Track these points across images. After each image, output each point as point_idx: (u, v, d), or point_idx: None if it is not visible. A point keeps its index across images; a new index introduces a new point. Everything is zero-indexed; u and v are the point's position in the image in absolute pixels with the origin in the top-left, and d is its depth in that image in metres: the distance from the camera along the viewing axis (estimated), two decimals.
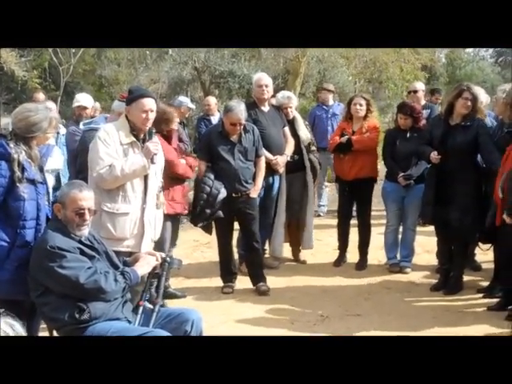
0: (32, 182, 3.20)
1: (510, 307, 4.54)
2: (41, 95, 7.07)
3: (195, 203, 5.05)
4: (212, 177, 5.03)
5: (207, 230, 5.30)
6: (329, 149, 6.18)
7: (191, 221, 5.27)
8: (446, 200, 4.92)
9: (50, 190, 3.55)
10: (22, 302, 3.15)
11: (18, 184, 3.10)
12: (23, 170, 3.14)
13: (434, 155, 4.90)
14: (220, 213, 5.02)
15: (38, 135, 3.27)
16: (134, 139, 3.84)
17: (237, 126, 5.02)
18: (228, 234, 5.31)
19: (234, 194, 5.08)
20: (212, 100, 8.25)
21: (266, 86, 5.56)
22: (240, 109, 4.99)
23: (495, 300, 4.76)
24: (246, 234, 5.33)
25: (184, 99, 8.02)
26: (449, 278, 5.19)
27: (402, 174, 5.53)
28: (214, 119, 7.94)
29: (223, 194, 5.00)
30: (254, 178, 5.22)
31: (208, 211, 4.99)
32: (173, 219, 4.94)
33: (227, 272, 5.33)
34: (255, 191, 5.21)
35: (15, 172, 3.11)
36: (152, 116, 3.84)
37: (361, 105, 5.77)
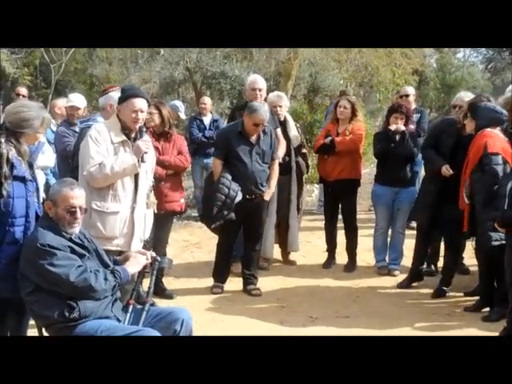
0: (21, 179, 3.17)
1: (485, 309, 4.66)
2: (23, 89, 7.11)
3: (210, 203, 4.94)
4: (229, 177, 4.94)
5: (217, 230, 5.22)
6: (313, 149, 6.21)
7: (204, 221, 5.20)
8: (445, 205, 4.90)
9: (40, 187, 3.51)
10: (11, 299, 3.13)
11: (3, 181, 3.07)
12: (12, 167, 3.11)
13: (447, 170, 4.86)
14: (233, 215, 4.95)
15: (27, 132, 3.22)
16: (125, 138, 3.82)
17: (259, 126, 4.99)
18: (234, 236, 5.21)
19: (247, 196, 5.02)
20: (208, 100, 8.38)
21: (260, 90, 5.55)
22: (264, 109, 4.95)
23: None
24: (250, 236, 5.24)
25: (179, 104, 8.02)
26: (420, 275, 5.34)
27: None
28: (206, 120, 8.04)
29: (240, 196, 4.92)
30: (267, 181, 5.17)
31: (225, 213, 4.90)
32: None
33: (221, 272, 5.28)
34: (269, 194, 5.18)
35: (2, 168, 3.07)
36: (142, 116, 3.82)
37: (345, 107, 5.81)
